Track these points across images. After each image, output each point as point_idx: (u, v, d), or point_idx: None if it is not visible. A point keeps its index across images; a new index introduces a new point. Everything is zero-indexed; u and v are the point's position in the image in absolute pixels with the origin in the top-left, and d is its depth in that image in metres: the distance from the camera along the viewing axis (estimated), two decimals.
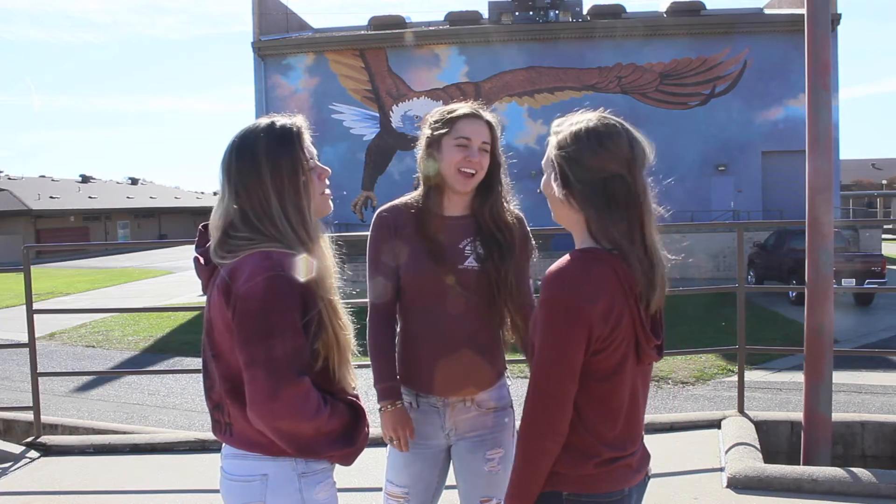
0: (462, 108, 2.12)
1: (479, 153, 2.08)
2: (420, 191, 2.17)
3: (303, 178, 1.64)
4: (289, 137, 1.65)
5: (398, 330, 2.19)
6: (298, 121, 1.70)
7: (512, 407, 2.22)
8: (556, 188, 1.56)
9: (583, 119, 1.57)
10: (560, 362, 1.47)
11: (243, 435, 1.60)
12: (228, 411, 1.61)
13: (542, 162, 1.62)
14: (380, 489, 3.35)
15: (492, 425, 2.16)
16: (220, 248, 1.59)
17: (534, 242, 2.23)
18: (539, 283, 1.55)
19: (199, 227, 1.74)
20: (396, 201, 2.20)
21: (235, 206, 1.61)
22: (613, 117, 1.59)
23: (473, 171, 2.08)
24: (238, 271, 1.54)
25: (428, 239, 2.09)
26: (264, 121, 1.68)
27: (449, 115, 2.10)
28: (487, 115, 2.13)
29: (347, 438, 1.63)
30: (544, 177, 1.61)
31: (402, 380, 2.16)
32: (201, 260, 1.69)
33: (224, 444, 1.68)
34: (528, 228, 2.23)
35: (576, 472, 1.53)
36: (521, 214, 2.23)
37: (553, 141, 1.59)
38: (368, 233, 2.18)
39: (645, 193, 1.55)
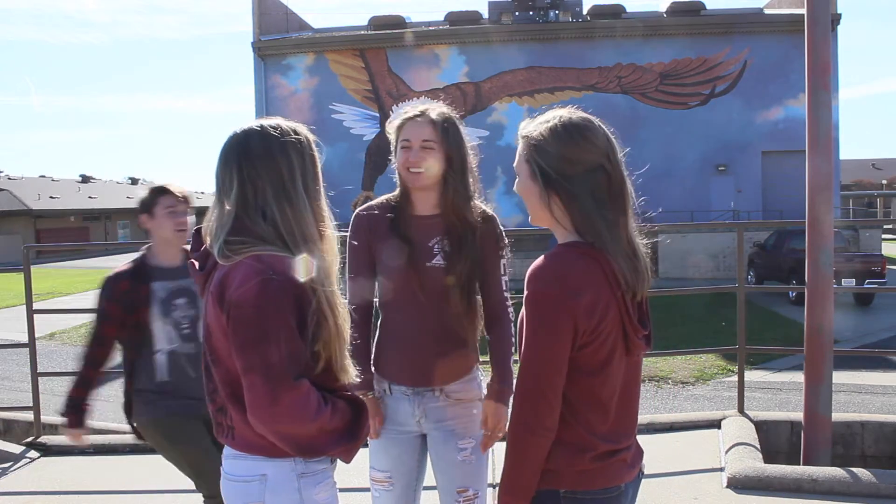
0: (409, 111, 2.21)
1: (420, 151, 2.15)
2: (397, 191, 2.27)
3: (320, 170, 1.68)
4: (305, 132, 1.68)
5: (379, 322, 2.30)
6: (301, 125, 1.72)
7: (482, 399, 2.26)
8: (536, 188, 1.55)
9: (556, 115, 1.57)
10: (546, 357, 1.47)
11: (244, 438, 1.61)
12: (231, 415, 1.62)
13: (514, 165, 1.61)
14: None
15: (460, 416, 2.22)
16: (225, 250, 1.58)
17: (506, 241, 2.28)
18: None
19: (193, 230, 1.74)
20: (373, 201, 2.30)
21: (238, 203, 1.59)
22: (583, 112, 1.59)
23: (419, 170, 2.15)
24: (230, 277, 1.54)
25: (399, 237, 2.19)
26: (269, 119, 1.67)
27: (398, 121, 2.21)
28: (433, 114, 2.18)
29: (349, 435, 1.63)
30: (518, 180, 1.60)
31: (377, 369, 2.27)
32: (196, 265, 1.68)
33: (225, 446, 1.68)
34: (500, 228, 2.29)
35: (572, 468, 1.53)
36: (493, 213, 2.28)
37: (524, 143, 1.58)
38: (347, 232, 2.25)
39: (625, 183, 1.55)
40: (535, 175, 1.55)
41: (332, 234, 1.68)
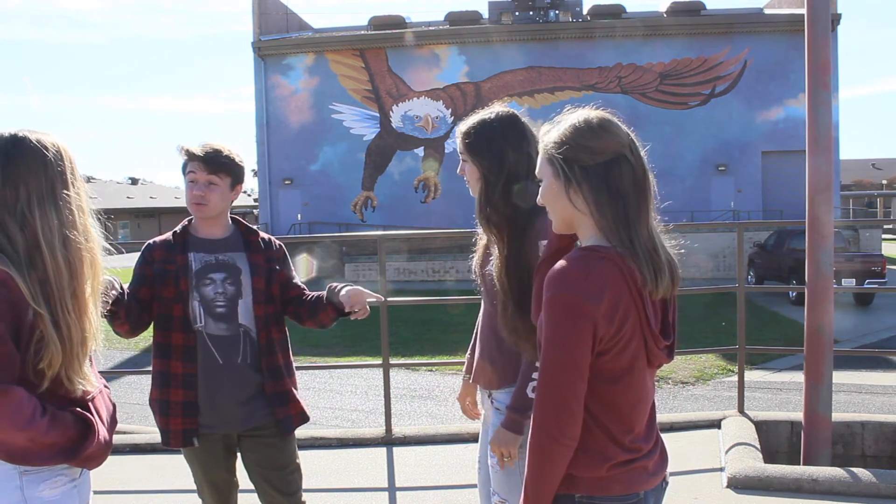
0: None
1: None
2: None
3: (69, 188, 1.64)
4: (68, 150, 1.65)
5: None
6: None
7: None
8: (559, 187, 1.51)
9: (574, 114, 1.55)
10: (566, 363, 1.43)
11: None
12: None
13: (537, 171, 1.58)
14: (379, 489, 3.35)
15: (497, 424, 2.18)
16: None
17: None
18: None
19: None
20: None
21: None
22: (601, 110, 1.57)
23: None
24: None
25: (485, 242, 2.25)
26: (31, 132, 1.63)
27: None
28: (461, 126, 2.25)
29: (69, 452, 1.58)
30: (542, 187, 1.56)
31: None
32: None
33: None
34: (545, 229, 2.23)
35: (589, 475, 1.50)
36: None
37: (543, 145, 1.55)
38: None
39: (647, 176, 1.53)
40: (558, 173, 1.51)
41: (98, 260, 1.67)
